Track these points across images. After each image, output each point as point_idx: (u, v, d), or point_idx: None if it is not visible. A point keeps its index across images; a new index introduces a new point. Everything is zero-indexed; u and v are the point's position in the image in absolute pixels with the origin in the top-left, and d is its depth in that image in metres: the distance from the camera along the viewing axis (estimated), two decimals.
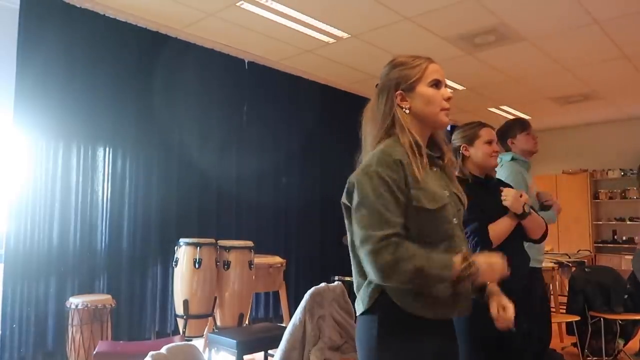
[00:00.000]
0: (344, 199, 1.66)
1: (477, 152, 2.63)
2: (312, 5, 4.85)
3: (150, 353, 2.23)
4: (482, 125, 2.70)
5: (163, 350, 2.29)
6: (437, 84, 1.72)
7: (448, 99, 1.72)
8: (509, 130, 3.60)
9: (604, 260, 9.08)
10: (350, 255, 1.68)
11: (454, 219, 1.69)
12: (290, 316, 5.43)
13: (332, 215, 6.83)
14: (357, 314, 1.67)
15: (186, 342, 2.51)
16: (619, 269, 6.46)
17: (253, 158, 6.25)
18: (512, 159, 3.49)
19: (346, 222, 1.69)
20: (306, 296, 3.30)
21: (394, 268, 1.47)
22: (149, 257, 5.16)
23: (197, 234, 5.01)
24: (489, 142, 2.63)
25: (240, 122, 6.24)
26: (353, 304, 1.75)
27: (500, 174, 3.24)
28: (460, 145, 2.64)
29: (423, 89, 1.71)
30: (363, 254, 1.53)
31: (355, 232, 1.58)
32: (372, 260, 1.49)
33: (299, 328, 3.19)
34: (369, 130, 1.78)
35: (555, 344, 5.12)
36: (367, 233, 1.52)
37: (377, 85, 1.80)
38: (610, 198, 9.54)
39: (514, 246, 2.53)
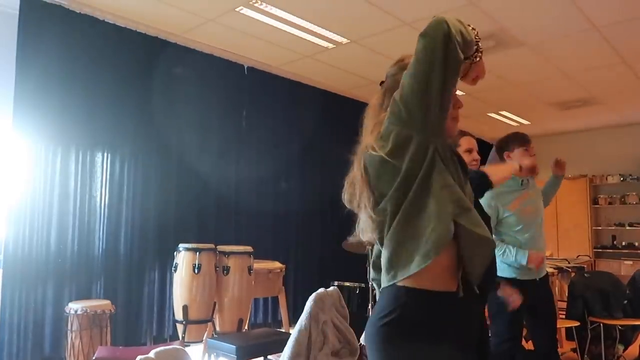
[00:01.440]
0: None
1: None
2: (311, 10, 4.86)
3: (139, 357, 2.23)
4: (462, 133, 2.65)
5: (151, 354, 2.29)
6: None
7: (458, 107, 1.63)
8: (507, 143, 3.48)
9: (603, 266, 9.08)
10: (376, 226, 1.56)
11: None
12: (290, 321, 5.44)
13: (332, 221, 6.83)
14: (388, 282, 1.52)
15: (175, 346, 2.51)
16: (618, 274, 6.46)
17: (252, 163, 6.25)
18: None
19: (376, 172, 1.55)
20: (310, 302, 3.28)
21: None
22: (146, 262, 5.16)
23: (196, 240, 5.01)
24: (469, 151, 2.59)
25: (240, 128, 6.24)
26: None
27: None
28: None
29: None
30: (420, 47, 1.45)
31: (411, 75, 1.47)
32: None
33: (305, 334, 3.17)
34: (369, 122, 1.67)
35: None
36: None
37: (381, 83, 1.72)
38: (610, 203, 9.54)
39: None
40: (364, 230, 1.60)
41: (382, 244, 1.56)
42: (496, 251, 3.36)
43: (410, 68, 1.47)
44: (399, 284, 1.47)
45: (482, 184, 2.37)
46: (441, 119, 1.49)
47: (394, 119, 1.50)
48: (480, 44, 1.55)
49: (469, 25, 1.51)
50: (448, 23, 1.42)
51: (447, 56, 1.42)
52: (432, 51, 1.42)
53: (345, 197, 1.65)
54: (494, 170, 2.45)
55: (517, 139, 3.45)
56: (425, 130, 1.47)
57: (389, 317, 1.46)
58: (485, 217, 2.56)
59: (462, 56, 1.45)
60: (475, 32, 1.53)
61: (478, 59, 1.57)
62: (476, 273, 1.51)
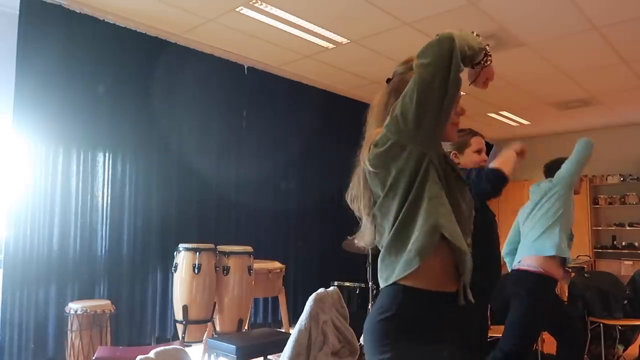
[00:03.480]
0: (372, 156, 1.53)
1: (466, 160, 2.64)
2: (311, 10, 4.86)
3: (138, 357, 2.23)
4: (473, 133, 2.70)
5: (151, 354, 2.29)
6: None
7: (460, 114, 1.64)
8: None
9: (603, 266, 9.07)
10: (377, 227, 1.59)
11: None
12: (290, 321, 5.44)
13: (332, 221, 6.82)
14: (383, 284, 1.54)
15: (175, 346, 2.51)
16: (618, 274, 6.45)
17: (252, 163, 6.25)
18: None
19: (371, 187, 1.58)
20: (310, 301, 3.28)
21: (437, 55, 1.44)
22: (148, 262, 5.16)
23: (197, 239, 5.01)
24: (479, 152, 2.65)
25: (240, 127, 6.24)
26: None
27: None
28: (450, 152, 2.64)
29: None
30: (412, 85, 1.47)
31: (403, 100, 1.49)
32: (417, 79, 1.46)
33: (305, 334, 3.16)
34: (373, 123, 1.66)
35: (552, 349, 5.10)
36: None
37: (388, 80, 1.71)
38: (610, 204, 9.53)
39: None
40: (362, 233, 1.64)
41: (381, 247, 1.58)
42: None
43: (413, 82, 1.47)
44: (397, 282, 1.49)
45: (498, 179, 2.37)
46: (439, 131, 1.52)
47: (392, 128, 1.51)
48: (488, 48, 1.60)
49: (472, 32, 1.53)
50: (454, 41, 1.44)
51: (450, 74, 1.45)
52: (435, 69, 1.44)
53: (348, 197, 1.67)
54: (502, 162, 2.42)
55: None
56: (422, 142, 1.49)
57: (386, 314, 1.47)
58: (489, 219, 2.58)
59: (461, 72, 1.49)
60: (480, 38, 1.55)
61: (489, 62, 1.64)
62: (466, 279, 1.53)
